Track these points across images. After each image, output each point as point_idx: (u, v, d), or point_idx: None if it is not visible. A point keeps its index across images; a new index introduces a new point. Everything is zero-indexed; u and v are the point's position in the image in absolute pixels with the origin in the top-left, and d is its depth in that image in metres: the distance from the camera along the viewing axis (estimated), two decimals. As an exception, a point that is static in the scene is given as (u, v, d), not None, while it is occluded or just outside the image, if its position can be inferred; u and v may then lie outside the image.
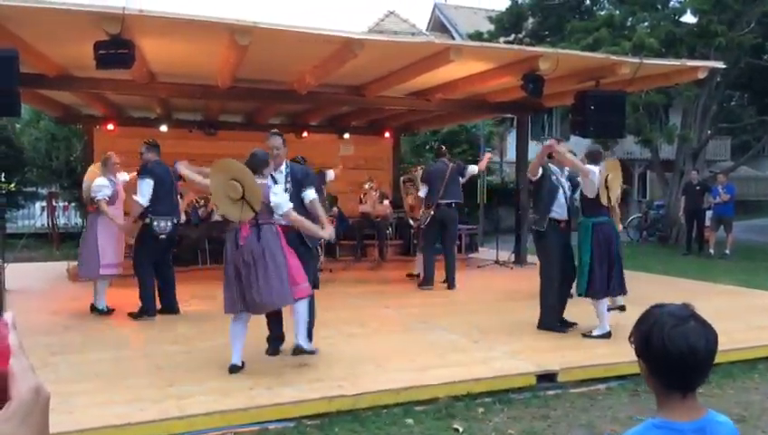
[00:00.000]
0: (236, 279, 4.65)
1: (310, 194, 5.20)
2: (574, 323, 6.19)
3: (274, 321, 5.24)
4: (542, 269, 6.25)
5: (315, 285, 7.74)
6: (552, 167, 6.20)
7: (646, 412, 3.97)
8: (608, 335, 5.76)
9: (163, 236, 6.54)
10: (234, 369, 4.70)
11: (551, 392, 4.66)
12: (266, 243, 4.64)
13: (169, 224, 6.57)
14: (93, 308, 6.77)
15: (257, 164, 4.84)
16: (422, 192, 8.77)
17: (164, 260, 6.80)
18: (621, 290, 5.99)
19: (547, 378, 4.82)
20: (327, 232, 5.16)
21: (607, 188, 5.78)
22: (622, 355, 4.95)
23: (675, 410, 1.45)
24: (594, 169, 5.86)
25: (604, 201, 5.80)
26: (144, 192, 6.41)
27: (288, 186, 5.16)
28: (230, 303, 4.74)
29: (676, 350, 1.40)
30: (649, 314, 1.50)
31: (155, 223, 6.46)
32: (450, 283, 8.66)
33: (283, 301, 4.76)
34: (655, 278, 9.59)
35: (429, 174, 8.75)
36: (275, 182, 5.05)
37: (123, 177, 7.06)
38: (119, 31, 5.78)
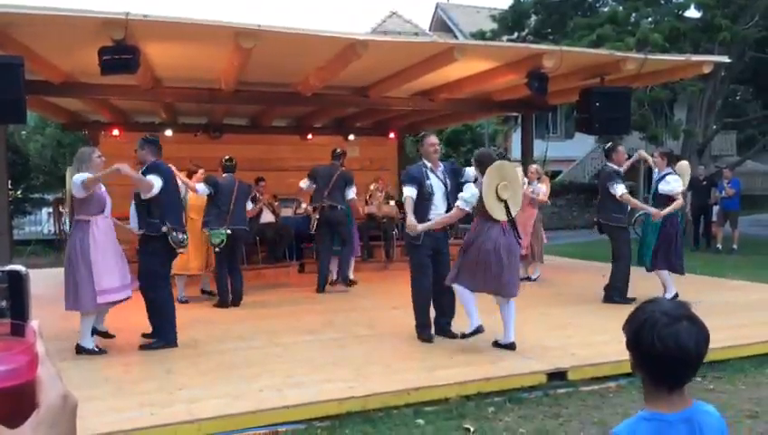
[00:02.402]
0: (495, 265, 5.13)
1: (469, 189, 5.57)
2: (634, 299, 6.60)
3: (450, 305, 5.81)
4: (615, 253, 7.29)
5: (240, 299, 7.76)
6: (612, 166, 7.25)
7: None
8: (675, 296, 6.52)
9: (182, 251, 5.84)
10: (480, 329, 5.29)
11: (561, 391, 4.64)
12: (513, 238, 5.29)
13: (185, 237, 5.75)
14: (81, 349, 5.42)
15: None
16: (304, 184, 8.45)
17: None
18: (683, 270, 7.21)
19: (557, 376, 4.81)
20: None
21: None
22: (632, 352, 4.93)
23: (662, 403, 1.47)
24: (677, 184, 7.07)
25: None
26: (156, 185, 5.51)
27: (449, 183, 5.80)
28: (476, 281, 5.25)
29: (665, 349, 1.41)
30: (643, 309, 1.51)
31: (173, 234, 5.60)
32: (339, 278, 8.54)
33: (516, 293, 5.39)
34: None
35: (316, 173, 8.41)
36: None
37: (101, 187, 5.50)
38: (123, 36, 5.79)
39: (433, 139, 5.95)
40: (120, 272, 5.43)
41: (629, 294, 7.01)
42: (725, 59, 9.58)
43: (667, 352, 1.41)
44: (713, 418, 1.50)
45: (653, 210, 7.06)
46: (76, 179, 5.18)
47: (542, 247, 9.29)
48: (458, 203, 5.36)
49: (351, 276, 8.84)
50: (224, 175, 7.73)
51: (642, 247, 7.26)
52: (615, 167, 7.32)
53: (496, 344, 5.40)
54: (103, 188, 5.49)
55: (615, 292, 7.20)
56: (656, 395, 1.49)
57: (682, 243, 7.28)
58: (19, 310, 0.63)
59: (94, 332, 5.59)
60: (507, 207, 5.19)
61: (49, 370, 0.61)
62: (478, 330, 5.31)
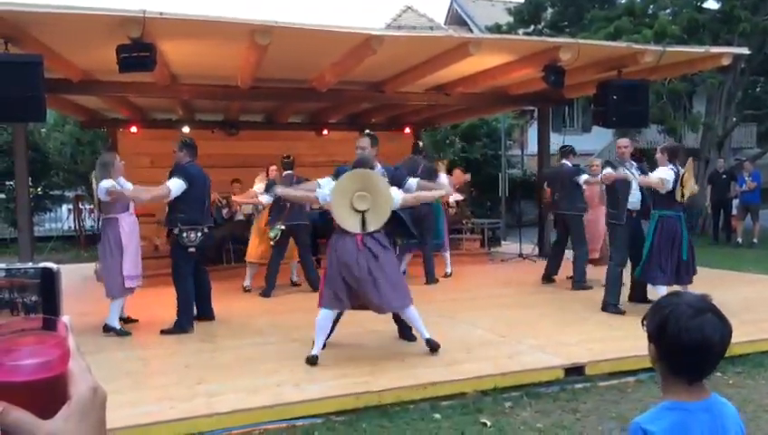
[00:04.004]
0: (349, 280, 4.79)
1: (410, 184, 5.44)
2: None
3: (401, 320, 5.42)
4: (612, 255, 6.74)
5: (316, 287, 7.85)
6: (619, 161, 6.70)
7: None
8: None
9: (192, 249, 6.17)
10: (313, 360, 4.81)
11: (579, 386, 4.62)
12: (380, 248, 4.84)
13: (199, 235, 6.15)
14: (108, 328, 6.09)
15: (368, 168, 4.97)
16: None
17: (197, 264, 6.46)
18: (689, 281, 6.20)
19: (575, 371, 4.79)
20: (445, 189, 5.50)
21: (681, 185, 6.13)
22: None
23: (682, 393, 1.50)
24: (661, 172, 6.17)
25: (678, 197, 6.14)
26: (174, 189, 6.06)
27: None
28: (331, 299, 4.86)
29: (691, 341, 1.43)
30: (667, 301, 1.54)
31: (183, 234, 6.10)
32: (427, 277, 8.68)
33: (402, 304, 4.97)
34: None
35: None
36: None
37: (127, 184, 6.27)
38: (140, 34, 5.83)
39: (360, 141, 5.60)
40: (137, 263, 6.13)
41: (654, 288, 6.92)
42: (745, 50, 9.45)
43: (692, 344, 1.42)
44: (729, 409, 1.53)
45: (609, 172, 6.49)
46: (102, 187, 5.92)
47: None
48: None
49: (449, 270, 9.10)
50: (283, 173, 8.13)
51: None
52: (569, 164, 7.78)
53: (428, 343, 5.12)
54: (128, 188, 6.21)
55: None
56: (675, 387, 1.51)
57: (685, 248, 6.14)
58: (51, 305, 0.65)
59: (108, 329, 6.08)
60: (364, 220, 4.76)
61: (80, 363, 0.63)
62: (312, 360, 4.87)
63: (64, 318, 0.65)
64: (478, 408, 4.20)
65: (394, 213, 5.00)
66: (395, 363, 4.88)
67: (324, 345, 5.01)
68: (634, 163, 6.73)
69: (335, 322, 5.19)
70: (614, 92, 7.89)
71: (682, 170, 6.21)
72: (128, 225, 6.08)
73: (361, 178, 4.83)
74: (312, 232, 10.25)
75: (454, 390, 4.42)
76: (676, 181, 6.11)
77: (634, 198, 6.59)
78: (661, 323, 1.48)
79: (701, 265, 9.82)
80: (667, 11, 14.92)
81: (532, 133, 16.78)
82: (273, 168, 8.53)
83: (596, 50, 7.99)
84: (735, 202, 13.62)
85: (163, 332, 6.05)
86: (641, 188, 6.55)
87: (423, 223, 8.55)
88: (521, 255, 10.95)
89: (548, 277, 8.41)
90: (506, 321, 6.24)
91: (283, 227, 7.77)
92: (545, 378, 4.69)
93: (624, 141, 6.94)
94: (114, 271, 5.97)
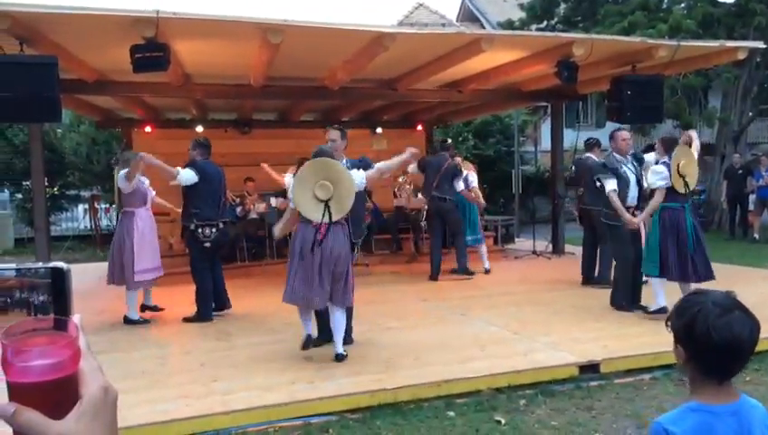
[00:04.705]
0: (305, 273, 4.75)
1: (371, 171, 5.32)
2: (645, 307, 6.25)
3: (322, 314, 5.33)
4: (616, 253, 6.61)
5: None
6: (617, 156, 6.42)
7: (692, 402, 3.90)
8: (664, 310, 5.73)
9: (207, 244, 6.37)
10: (308, 340, 4.97)
11: (594, 383, 4.60)
12: (338, 243, 4.78)
13: (213, 230, 6.37)
14: (128, 320, 6.42)
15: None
16: (411, 169, 8.79)
17: (213, 259, 6.67)
18: (699, 277, 5.82)
19: (590, 369, 4.77)
20: (407, 153, 5.27)
21: (681, 175, 5.83)
22: (666, 344, 4.83)
23: (710, 395, 1.48)
24: (658, 175, 5.98)
25: (680, 189, 5.86)
26: (183, 177, 6.26)
27: None
28: (290, 294, 4.86)
29: (722, 339, 1.41)
30: (692, 301, 1.51)
31: (199, 230, 6.33)
32: (459, 269, 8.72)
33: (347, 303, 4.93)
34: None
35: (426, 163, 8.79)
36: None
37: (146, 181, 6.70)
38: (154, 34, 5.87)
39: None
40: (154, 256, 6.48)
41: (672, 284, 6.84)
42: (761, 44, 9.34)
43: (722, 342, 1.41)
44: (759, 412, 1.50)
45: (627, 217, 6.09)
46: (120, 175, 6.41)
47: None
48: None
49: (487, 266, 9.15)
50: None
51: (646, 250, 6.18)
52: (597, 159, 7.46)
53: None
54: (146, 184, 6.61)
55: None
56: (704, 387, 1.49)
57: (690, 242, 5.84)
58: (62, 305, 0.66)
59: (145, 308, 6.68)
60: (328, 209, 4.69)
61: (91, 363, 0.64)
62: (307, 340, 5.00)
63: (75, 317, 0.65)
64: (492, 405, 4.20)
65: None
66: (409, 361, 4.88)
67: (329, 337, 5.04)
68: (629, 158, 6.44)
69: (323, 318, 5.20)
70: (628, 88, 7.83)
71: (675, 159, 5.84)
72: (143, 219, 6.42)
73: (322, 168, 4.75)
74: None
75: (468, 387, 4.42)
76: (669, 176, 5.87)
77: (632, 193, 6.35)
78: (689, 323, 1.46)
79: (717, 262, 9.77)
80: (682, 5, 14.77)
81: (546, 129, 16.68)
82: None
83: (610, 45, 7.93)
84: (752, 197, 13.49)
85: (185, 319, 6.42)
86: (639, 183, 6.36)
87: (447, 218, 8.61)
88: (534, 252, 10.91)
89: (587, 280, 7.96)
90: (520, 318, 6.23)
91: None
92: (560, 375, 4.67)
93: (625, 134, 6.52)
94: (129, 263, 6.27)
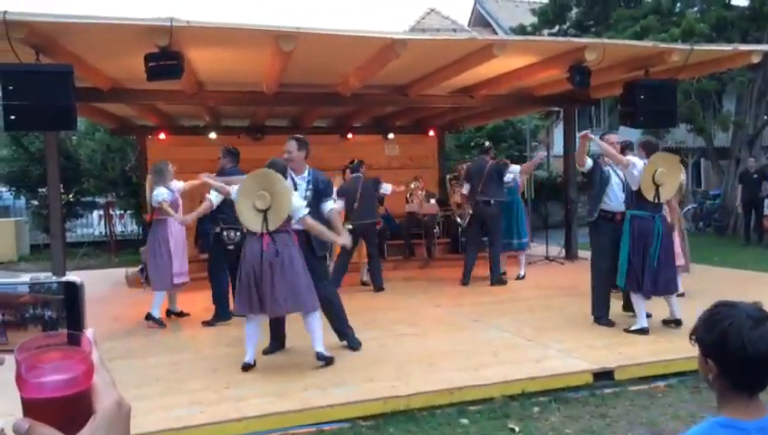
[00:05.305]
0: (254, 283, 4.80)
1: (329, 205, 5.36)
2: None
3: (276, 323, 5.44)
4: (592, 261, 6.25)
5: (381, 287, 8.36)
6: (605, 159, 6.17)
7: (707, 409, 3.87)
8: (644, 331, 5.62)
9: (231, 247, 6.54)
10: (246, 367, 4.92)
11: (608, 391, 4.57)
12: (285, 250, 4.81)
13: (238, 234, 6.47)
14: (150, 317, 6.67)
15: (277, 172, 4.95)
16: (465, 189, 8.88)
17: (232, 262, 6.75)
18: (657, 291, 5.66)
19: (604, 376, 4.74)
20: (342, 239, 5.33)
21: (656, 183, 5.55)
22: (681, 351, 4.83)
23: (740, 410, 1.44)
24: (637, 161, 5.73)
25: (648, 196, 5.57)
26: (215, 200, 6.21)
27: (308, 193, 5.31)
28: (242, 304, 4.92)
29: (757, 352, 1.39)
30: (721, 313, 1.47)
31: (224, 233, 6.57)
32: (491, 278, 8.63)
33: (301, 307, 4.89)
34: (713, 270, 9.29)
35: (469, 171, 8.89)
36: (296, 188, 5.21)
37: (178, 185, 7.00)
38: (168, 43, 5.91)
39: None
40: (183, 262, 6.78)
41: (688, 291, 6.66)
42: (776, 47, 9.26)
43: (757, 356, 1.39)
44: None
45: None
46: (155, 196, 6.64)
47: (687, 253, 7.43)
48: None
49: (523, 272, 9.16)
50: (351, 175, 8.60)
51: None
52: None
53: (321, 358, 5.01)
54: (177, 195, 6.87)
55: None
56: (734, 402, 1.46)
57: (655, 255, 5.56)
58: (75, 320, 0.66)
59: (170, 313, 6.98)
60: (266, 219, 4.76)
61: (104, 377, 0.64)
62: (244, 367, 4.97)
63: (88, 332, 0.66)
64: (506, 413, 4.18)
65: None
66: (421, 367, 4.87)
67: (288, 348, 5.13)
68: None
69: (277, 327, 5.29)
70: (641, 92, 7.78)
71: (652, 164, 5.58)
72: (175, 226, 6.75)
73: (263, 179, 4.85)
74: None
75: (481, 394, 4.40)
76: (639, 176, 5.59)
77: (617, 200, 6.03)
78: (721, 337, 1.43)
79: (731, 267, 9.70)
80: (695, 9, 14.69)
81: (558, 134, 16.63)
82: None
83: (622, 50, 7.90)
84: (767, 202, 13.34)
85: (205, 323, 6.63)
86: (626, 189, 5.97)
87: (489, 224, 8.62)
88: (547, 257, 10.86)
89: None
90: (533, 324, 6.20)
91: (350, 226, 7.98)
92: (574, 382, 4.64)
93: (612, 138, 6.23)
94: (163, 269, 6.63)
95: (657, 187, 5.56)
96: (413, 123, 12.96)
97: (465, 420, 4.08)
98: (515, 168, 9.06)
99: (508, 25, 21.22)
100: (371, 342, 5.67)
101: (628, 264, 5.64)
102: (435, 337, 5.89)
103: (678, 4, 14.85)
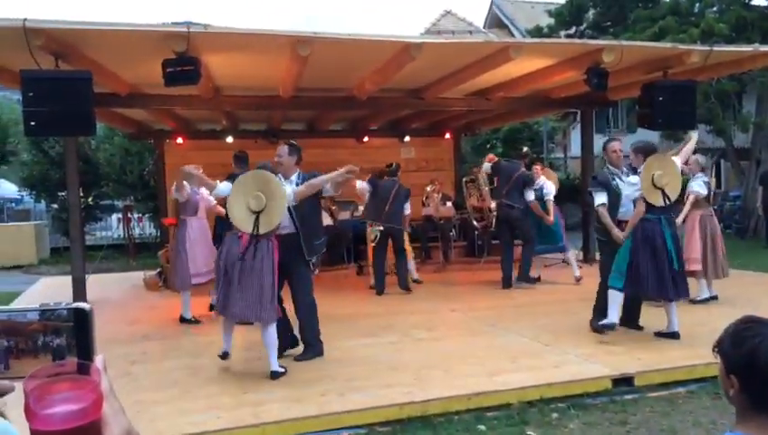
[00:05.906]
0: (224, 282, 4.85)
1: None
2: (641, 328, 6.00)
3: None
4: (602, 269, 6.11)
5: (406, 287, 8.46)
6: (611, 168, 6.04)
7: (729, 416, 3.80)
8: (611, 327, 5.63)
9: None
10: (225, 356, 5.11)
11: (628, 397, 4.52)
12: (261, 258, 4.80)
13: None
14: (183, 319, 6.98)
15: None
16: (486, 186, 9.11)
17: None
18: (679, 294, 5.59)
19: (623, 382, 4.69)
20: (343, 169, 5.28)
21: (657, 187, 5.48)
22: (701, 357, 4.78)
23: (758, 428, 1.41)
24: (633, 180, 5.74)
25: (655, 202, 5.49)
26: (219, 188, 6.10)
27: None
28: (219, 304, 5.01)
29: None
30: (752, 330, 1.43)
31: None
32: (519, 277, 8.68)
33: (260, 318, 4.86)
34: (733, 274, 9.15)
35: (498, 167, 8.91)
36: None
37: (202, 191, 7.00)
38: (185, 48, 5.95)
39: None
40: (207, 260, 6.75)
41: None
42: (797, 47, 9.12)
43: None
44: None
45: (616, 233, 5.64)
46: (174, 188, 6.82)
47: (720, 260, 7.35)
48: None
49: (578, 274, 8.96)
50: (386, 178, 8.64)
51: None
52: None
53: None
54: (198, 196, 6.95)
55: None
56: (755, 419, 1.42)
57: (674, 256, 5.51)
58: (85, 346, 0.66)
59: (183, 320, 6.98)
60: (257, 222, 4.74)
61: (113, 405, 0.64)
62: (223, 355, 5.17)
63: (98, 359, 0.65)
64: (524, 419, 4.15)
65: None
66: (438, 373, 4.85)
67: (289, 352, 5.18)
68: (624, 170, 5.99)
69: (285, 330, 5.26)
70: (660, 94, 7.69)
71: (647, 170, 5.51)
72: (194, 228, 6.93)
73: (262, 181, 4.86)
74: (352, 238, 10.35)
75: (499, 400, 4.37)
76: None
77: (624, 210, 5.85)
78: (749, 354, 1.39)
79: (751, 271, 9.55)
80: (714, 9, 14.52)
81: (575, 135, 16.52)
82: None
83: (640, 51, 7.83)
84: (789, 204, 13.16)
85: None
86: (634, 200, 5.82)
87: (516, 226, 8.64)
88: (564, 260, 10.77)
89: None
90: (551, 329, 6.15)
91: (381, 228, 8.22)
92: (593, 389, 4.59)
93: (615, 145, 6.05)
94: (182, 269, 6.82)
95: (662, 189, 5.52)
96: (429, 126, 12.94)
97: (482, 427, 4.05)
98: (549, 191, 8.88)
99: (524, 27, 21.15)
100: (389, 346, 5.65)
101: (628, 265, 5.57)
102: (452, 342, 5.87)
103: (697, 5, 14.70)
